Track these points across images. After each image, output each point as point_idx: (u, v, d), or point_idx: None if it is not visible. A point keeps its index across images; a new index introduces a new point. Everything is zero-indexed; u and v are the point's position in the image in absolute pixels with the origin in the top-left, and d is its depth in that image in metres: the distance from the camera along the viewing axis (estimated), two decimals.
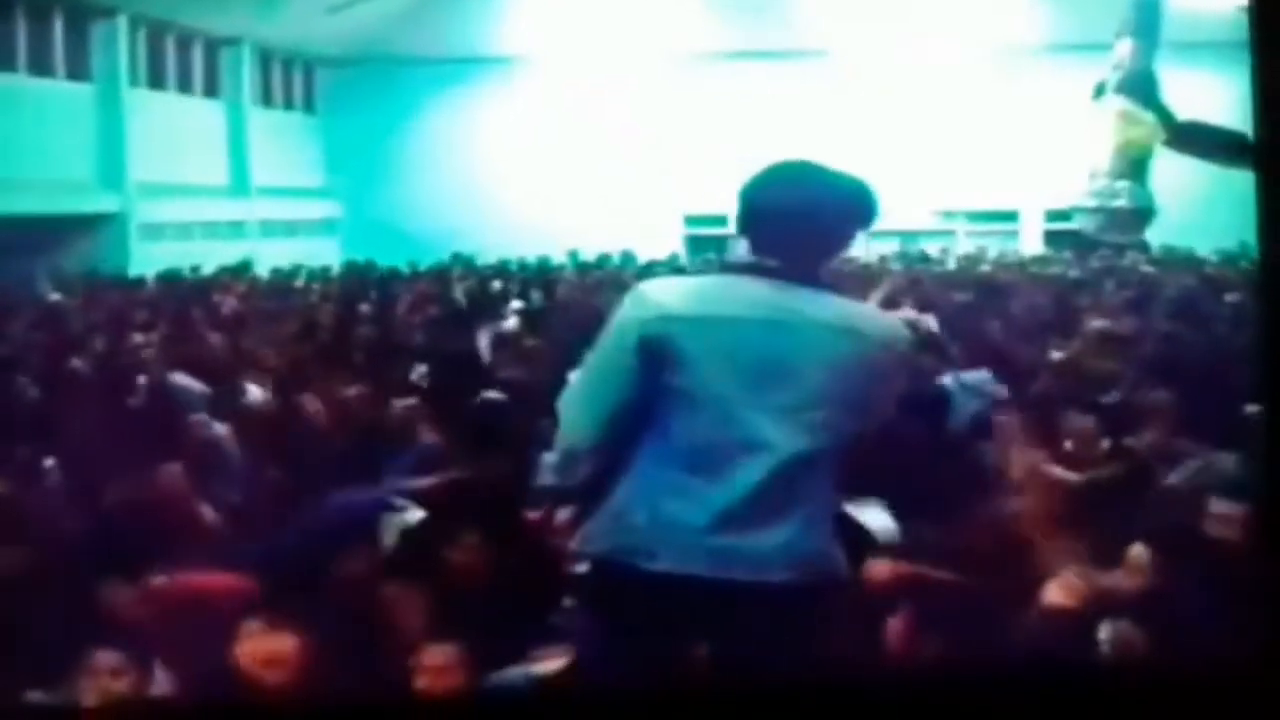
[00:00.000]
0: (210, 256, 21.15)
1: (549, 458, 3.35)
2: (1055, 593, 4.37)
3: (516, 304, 13.50)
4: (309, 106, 28.51)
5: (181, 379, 8.02)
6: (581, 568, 3.29)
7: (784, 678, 2.94)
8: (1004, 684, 2.92)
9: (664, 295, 3.09)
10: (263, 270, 20.52)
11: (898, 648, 4.09)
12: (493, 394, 7.38)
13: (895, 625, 4.14)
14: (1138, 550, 4.43)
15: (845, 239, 3.22)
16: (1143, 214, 22.48)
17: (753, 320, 3.02)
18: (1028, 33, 25.17)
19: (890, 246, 24.01)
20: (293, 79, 28.02)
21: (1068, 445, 6.02)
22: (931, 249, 23.79)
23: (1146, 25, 21.93)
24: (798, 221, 3.10)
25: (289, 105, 27.91)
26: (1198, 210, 22.56)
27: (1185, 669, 3.54)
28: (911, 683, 3.47)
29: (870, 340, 3.09)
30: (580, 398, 3.14)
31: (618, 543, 3.03)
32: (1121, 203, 22.42)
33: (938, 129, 25.69)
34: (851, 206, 3.18)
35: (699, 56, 26.28)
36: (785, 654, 2.96)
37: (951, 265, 20.91)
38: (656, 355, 3.01)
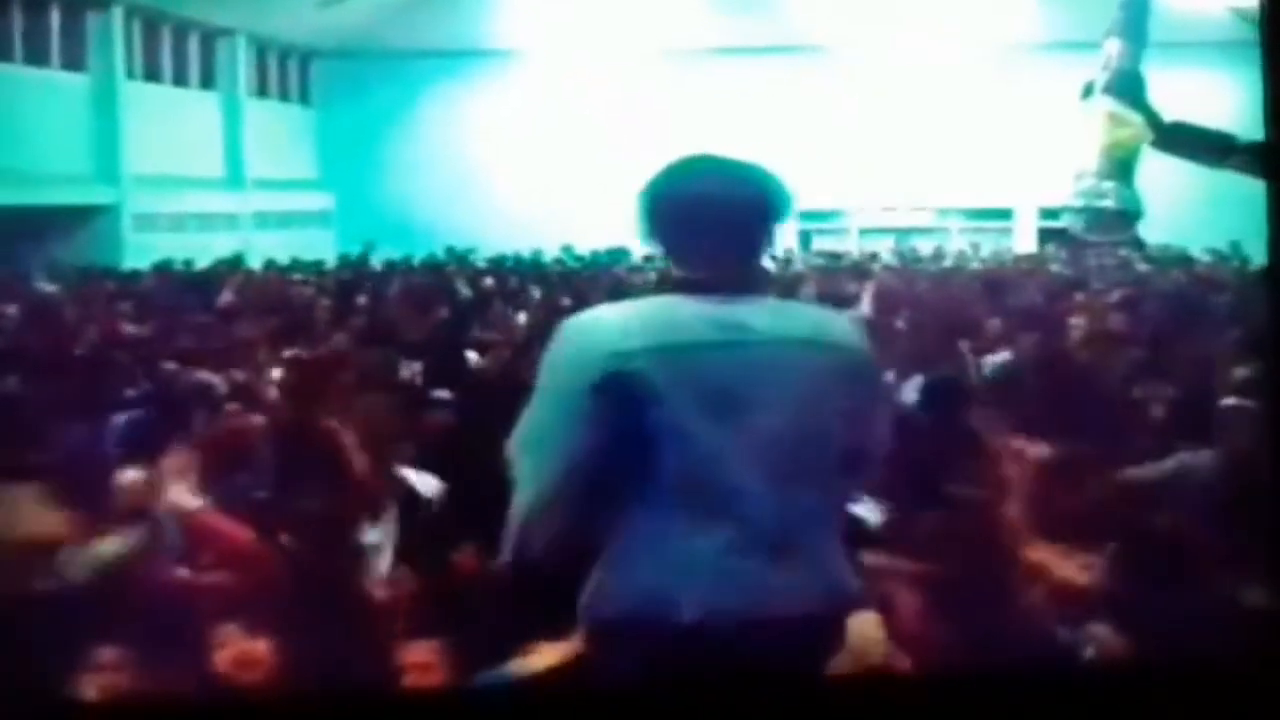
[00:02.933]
0: (205, 248, 21.15)
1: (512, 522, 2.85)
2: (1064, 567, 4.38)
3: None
4: (304, 99, 28.50)
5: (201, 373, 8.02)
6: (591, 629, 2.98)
7: (788, 680, 2.82)
8: (1002, 684, 2.92)
9: (609, 328, 2.78)
10: (260, 262, 20.50)
11: (908, 631, 4.09)
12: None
13: (905, 603, 4.14)
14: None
15: (769, 236, 2.93)
16: (1129, 215, 22.51)
17: (709, 344, 2.76)
18: (1024, 31, 25.21)
19: (885, 244, 24.12)
20: (288, 71, 28.02)
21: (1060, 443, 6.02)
22: (924, 247, 23.82)
23: (1134, 26, 21.95)
24: (720, 223, 2.84)
25: (284, 97, 27.90)
26: (1193, 209, 22.66)
27: (1174, 668, 3.54)
28: (910, 682, 3.48)
29: (822, 345, 2.85)
30: (537, 449, 2.79)
31: (633, 600, 2.76)
32: (1108, 203, 22.42)
33: (933, 126, 25.73)
34: (770, 199, 2.91)
35: (694, 52, 26.28)
36: (810, 684, 2.84)
37: (948, 263, 20.94)
38: (617, 396, 2.72)
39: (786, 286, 14.50)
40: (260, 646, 4.03)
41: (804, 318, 2.93)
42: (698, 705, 2.78)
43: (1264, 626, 3.29)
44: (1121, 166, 22.25)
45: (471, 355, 9.27)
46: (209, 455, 5.75)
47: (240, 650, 4.03)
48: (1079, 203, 22.74)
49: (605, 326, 2.79)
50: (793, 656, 2.78)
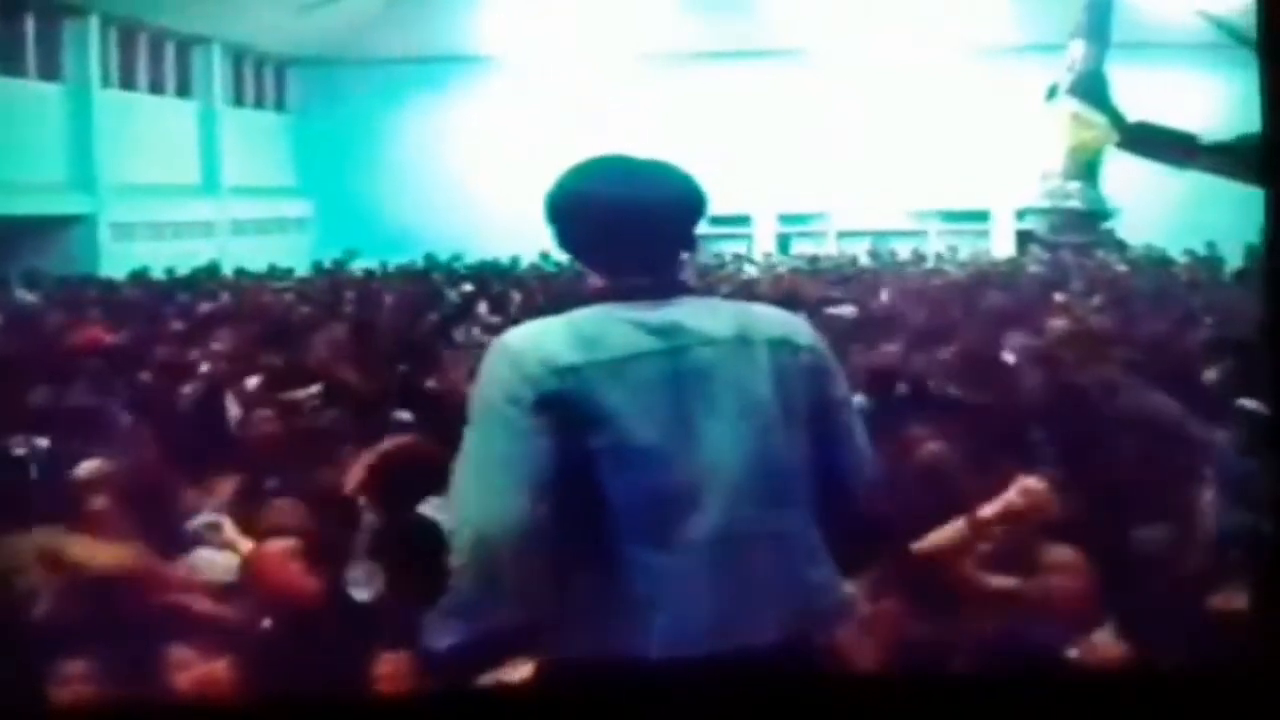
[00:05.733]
0: (182, 256, 21.08)
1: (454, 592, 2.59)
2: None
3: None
4: (280, 106, 28.43)
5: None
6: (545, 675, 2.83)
7: (774, 677, 2.66)
8: (996, 686, 2.91)
9: (545, 346, 2.59)
10: (242, 271, 20.44)
11: (885, 630, 4.09)
12: None
13: (884, 608, 4.13)
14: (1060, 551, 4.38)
15: (689, 235, 2.77)
16: (1095, 215, 22.67)
17: (654, 354, 2.61)
18: (1002, 33, 25.26)
19: (863, 246, 24.17)
20: (264, 78, 27.94)
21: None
22: (902, 249, 23.85)
23: (1098, 28, 22.09)
24: (637, 226, 2.68)
25: (260, 105, 27.81)
26: (1176, 210, 22.78)
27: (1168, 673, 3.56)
28: (902, 682, 3.47)
29: (768, 342, 2.70)
30: (480, 482, 2.55)
31: (587, 638, 2.59)
32: (1074, 204, 22.52)
33: (911, 128, 25.78)
34: (685, 197, 2.75)
35: (671, 56, 26.26)
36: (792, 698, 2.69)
37: (929, 264, 21.00)
38: (562, 417, 2.54)
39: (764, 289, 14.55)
40: (220, 667, 4.01)
41: (741, 316, 2.75)
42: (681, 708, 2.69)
43: (1260, 631, 3.30)
44: (1087, 168, 22.37)
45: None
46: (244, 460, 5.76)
47: (201, 672, 4.00)
48: (1045, 204, 22.88)
49: (540, 343, 2.60)
50: (771, 681, 2.62)
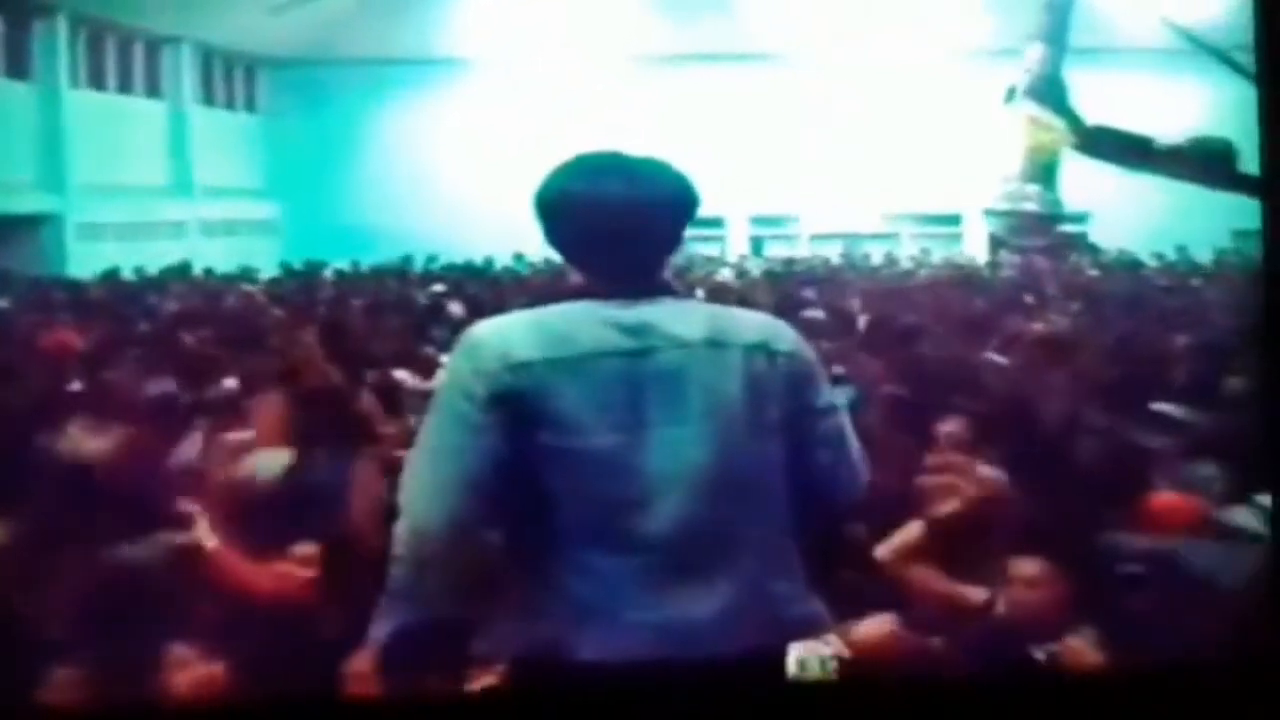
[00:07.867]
0: (150, 257, 20.96)
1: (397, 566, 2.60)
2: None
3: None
4: (251, 107, 28.30)
5: None
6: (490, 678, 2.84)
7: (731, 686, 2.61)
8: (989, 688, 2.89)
9: (507, 340, 2.57)
10: (210, 272, 20.33)
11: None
12: None
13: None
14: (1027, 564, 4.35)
15: (677, 236, 2.74)
16: (1052, 219, 22.78)
17: (614, 353, 2.57)
18: (975, 37, 25.33)
19: (836, 249, 24.22)
20: (235, 79, 27.80)
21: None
22: (875, 253, 23.88)
23: (1056, 31, 22.17)
24: (624, 225, 2.64)
25: (231, 105, 27.68)
26: (1141, 215, 22.90)
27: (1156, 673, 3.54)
28: (898, 685, 3.44)
29: (743, 347, 2.64)
30: (425, 472, 2.57)
31: (531, 639, 2.57)
32: (1030, 206, 22.63)
33: (884, 131, 25.84)
34: (675, 197, 2.72)
35: (645, 59, 26.27)
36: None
37: (905, 266, 21.03)
38: (515, 413, 2.53)
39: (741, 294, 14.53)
40: (218, 668, 3.96)
41: (715, 319, 2.70)
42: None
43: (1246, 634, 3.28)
44: (1044, 170, 22.46)
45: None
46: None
47: (199, 673, 3.96)
48: (1004, 206, 22.96)
49: (502, 337, 2.59)
50: (720, 692, 2.57)
